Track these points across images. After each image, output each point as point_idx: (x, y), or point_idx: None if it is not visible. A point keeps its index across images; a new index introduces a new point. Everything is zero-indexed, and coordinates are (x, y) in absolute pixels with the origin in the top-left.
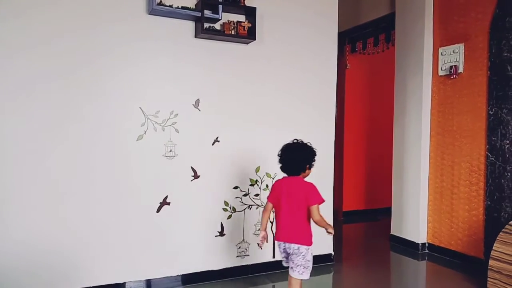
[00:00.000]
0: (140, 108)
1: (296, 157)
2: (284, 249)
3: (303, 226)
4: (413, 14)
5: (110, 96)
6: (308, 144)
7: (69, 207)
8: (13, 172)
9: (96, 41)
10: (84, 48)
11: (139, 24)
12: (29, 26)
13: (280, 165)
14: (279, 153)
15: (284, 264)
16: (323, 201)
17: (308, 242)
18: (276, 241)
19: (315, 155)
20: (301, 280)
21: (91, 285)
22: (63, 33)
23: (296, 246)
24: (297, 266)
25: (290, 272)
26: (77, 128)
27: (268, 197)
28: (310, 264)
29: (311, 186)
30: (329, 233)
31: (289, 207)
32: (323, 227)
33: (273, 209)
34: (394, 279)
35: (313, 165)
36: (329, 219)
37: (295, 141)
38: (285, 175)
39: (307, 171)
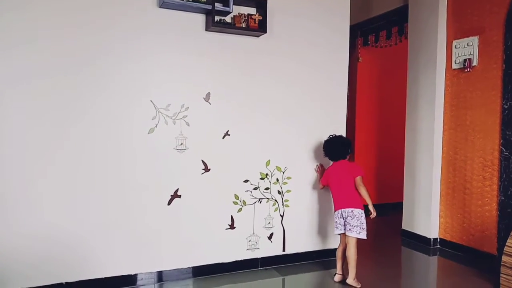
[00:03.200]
0: (151, 101)
1: (340, 145)
2: (341, 214)
3: (353, 193)
4: (426, 6)
5: (121, 89)
6: (345, 136)
7: (79, 199)
8: (24, 166)
9: (107, 34)
10: (95, 41)
11: (150, 17)
12: (37, 18)
13: (327, 155)
14: (325, 145)
15: (336, 232)
16: (364, 174)
17: (360, 206)
18: (336, 212)
19: (351, 143)
20: (357, 239)
21: (102, 277)
22: (72, 26)
23: (350, 209)
24: (354, 227)
25: (348, 233)
26: (87, 121)
27: (321, 180)
28: (365, 226)
29: (354, 163)
30: (370, 214)
31: (338, 182)
32: (366, 199)
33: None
34: (406, 274)
35: (351, 151)
36: None
37: (333, 135)
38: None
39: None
